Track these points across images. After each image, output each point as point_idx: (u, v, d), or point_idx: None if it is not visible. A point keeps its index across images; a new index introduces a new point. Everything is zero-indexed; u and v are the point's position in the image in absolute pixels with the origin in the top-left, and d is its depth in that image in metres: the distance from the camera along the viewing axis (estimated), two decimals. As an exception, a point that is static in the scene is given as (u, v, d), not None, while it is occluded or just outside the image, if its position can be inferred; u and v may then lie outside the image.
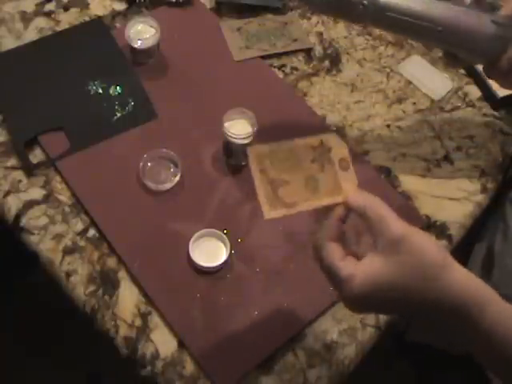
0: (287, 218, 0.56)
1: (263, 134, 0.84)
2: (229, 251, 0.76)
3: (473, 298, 0.50)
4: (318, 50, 1.01)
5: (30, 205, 0.80)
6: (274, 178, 0.56)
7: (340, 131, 0.92)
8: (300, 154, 0.56)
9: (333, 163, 0.58)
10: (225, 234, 0.77)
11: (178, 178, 0.82)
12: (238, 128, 0.81)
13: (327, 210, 0.56)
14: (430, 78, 1.00)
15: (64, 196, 0.81)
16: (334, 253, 0.54)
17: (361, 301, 0.53)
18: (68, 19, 1.00)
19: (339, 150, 0.58)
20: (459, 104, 0.98)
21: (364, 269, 0.52)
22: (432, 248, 0.51)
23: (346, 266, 0.52)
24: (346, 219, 0.56)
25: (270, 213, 0.55)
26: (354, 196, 0.55)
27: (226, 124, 0.81)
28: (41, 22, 0.99)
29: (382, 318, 0.76)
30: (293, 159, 0.56)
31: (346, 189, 0.56)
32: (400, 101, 0.97)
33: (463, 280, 0.51)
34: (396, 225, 0.52)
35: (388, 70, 1.00)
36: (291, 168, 0.56)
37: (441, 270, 0.50)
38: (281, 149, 0.58)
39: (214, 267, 0.75)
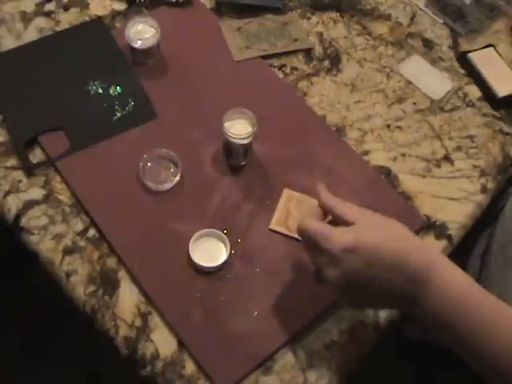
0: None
1: (263, 134, 0.84)
2: (229, 251, 0.76)
3: (432, 264, 0.60)
4: (318, 50, 1.01)
5: (30, 205, 0.80)
6: (290, 212, 0.81)
7: (340, 131, 0.92)
8: (318, 212, 0.67)
9: None
10: (225, 234, 0.77)
11: (178, 178, 0.82)
12: (238, 128, 0.81)
13: None
14: (430, 78, 1.00)
15: (64, 196, 0.81)
16: (325, 225, 0.63)
17: (357, 270, 0.59)
18: (68, 19, 1.00)
19: None
20: (459, 104, 0.98)
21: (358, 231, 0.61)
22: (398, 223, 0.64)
23: (344, 232, 0.61)
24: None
25: (274, 226, 0.80)
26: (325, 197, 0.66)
27: (226, 124, 0.81)
28: (41, 22, 0.99)
29: (382, 317, 0.76)
30: (310, 212, 0.67)
31: None
32: (400, 101, 0.97)
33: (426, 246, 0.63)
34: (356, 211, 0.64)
35: (388, 70, 1.00)
36: (305, 214, 0.69)
37: (409, 234, 0.62)
38: (306, 202, 0.82)
39: (214, 267, 0.75)
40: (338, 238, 0.60)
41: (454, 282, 0.60)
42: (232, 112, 0.82)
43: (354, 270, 0.60)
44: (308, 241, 0.63)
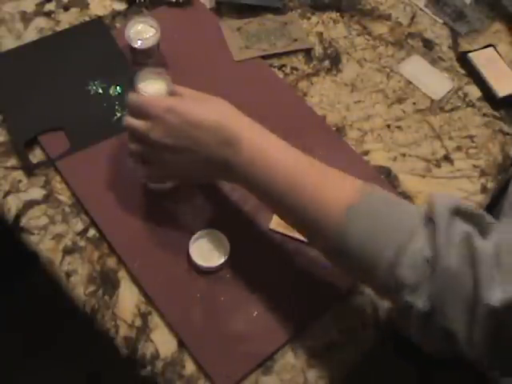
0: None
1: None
2: (229, 251, 0.76)
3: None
4: (318, 50, 1.01)
5: (30, 205, 0.80)
6: None
7: (340, 131, 0.92)
8: None
9: None
10: (225, 234, 0.77)
11: (177, 178, 0.82)
12: (155, 88, 0.78)
13: None
14: (430, 78, 1.00)
15: (64, 196, 0.81)
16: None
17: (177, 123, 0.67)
18: (68, 19, 1.00)
19: None
20: (459, 104, 0.98)
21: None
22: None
23: (166, 97, 0.73)
24: None
25: (274, 226, 0.80)
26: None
27: (141, 84, 0.78)
28: (41, 22, 0.99)
29: (382, 317, 0.76)
30: None
31: None
32: (400, 101, 0.97)
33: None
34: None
35: (388, 70, 1.00)
36: None
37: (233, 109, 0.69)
38: None
39: (213, 267, 0.75)
40: (160, 100, 0.70)
41: (264, 145, 0.66)
42: (146, 72, 0.79)
43: (176, 128, 0.67)
44: (135, 113, 0.71)
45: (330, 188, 0.63)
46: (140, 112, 0.70)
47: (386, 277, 0.58)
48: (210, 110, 0.68)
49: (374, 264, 0.59)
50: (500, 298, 0.51)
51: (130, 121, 0.72)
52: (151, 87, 0.78)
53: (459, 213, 0.57)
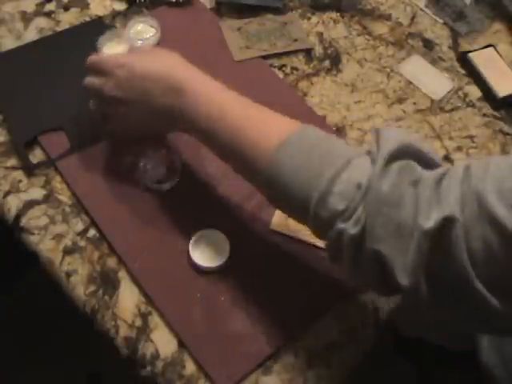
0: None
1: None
2: (229, 251, 0.76)
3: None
4: (318, 50, 1.01)
5: (30, 205, 0.80)
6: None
7: (340, 131, 0.92)
8: None
9: None
10: (225, 234, 0.77)
11: (178, 178, 0.82)
12: (117, 51, 0.85)
13: None
14: (430, 78, 1.00)
15: (64, 196, 0.81)
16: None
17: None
18: (68, 19, 1.00)
19: None
20: (459, 104, 0.98)
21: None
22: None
23: (119, 55, 0.80)
24: None
25: (275, 226, 0.79)
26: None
27: (104, 48, 0.85)
28: (41, 21, 0.99)
29: (382, 317, 0.76)
30: None
31: None
32: (400, 101, 0.97)
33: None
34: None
35: (388, 69, 1.00)
36: None
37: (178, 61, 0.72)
38: None
39: (213, 267, 0.75)
40: (112, 57, 0.75)
41: (209, 91, 0.69)
42: (108, 35, 0.86)
43: (124, 80, 0.71)
44: (93, 71, 0.75)
45: (269, 124, 0.65)
46: (96, 69, 0.75)
47: (318, 209, 0.56)
48: (156, 62, 0.71)
49: (307, 197, 0.57)
50: (435, 219, 0.50)
51: (88, 79, 0.76)
52: (113, 50, 0.84)
53: (403, 153, 0.56)
